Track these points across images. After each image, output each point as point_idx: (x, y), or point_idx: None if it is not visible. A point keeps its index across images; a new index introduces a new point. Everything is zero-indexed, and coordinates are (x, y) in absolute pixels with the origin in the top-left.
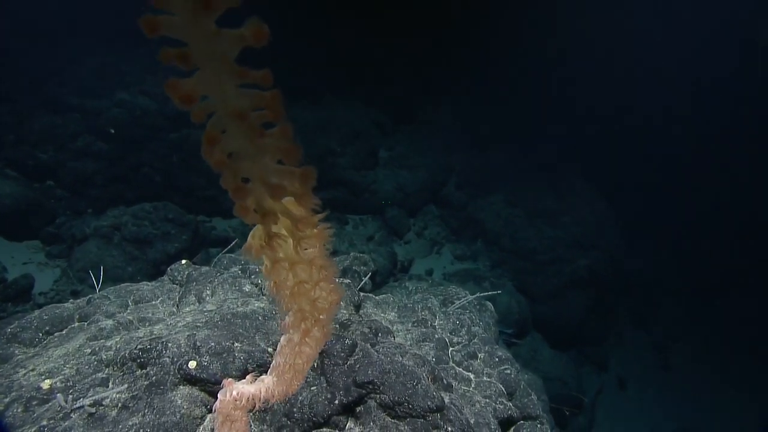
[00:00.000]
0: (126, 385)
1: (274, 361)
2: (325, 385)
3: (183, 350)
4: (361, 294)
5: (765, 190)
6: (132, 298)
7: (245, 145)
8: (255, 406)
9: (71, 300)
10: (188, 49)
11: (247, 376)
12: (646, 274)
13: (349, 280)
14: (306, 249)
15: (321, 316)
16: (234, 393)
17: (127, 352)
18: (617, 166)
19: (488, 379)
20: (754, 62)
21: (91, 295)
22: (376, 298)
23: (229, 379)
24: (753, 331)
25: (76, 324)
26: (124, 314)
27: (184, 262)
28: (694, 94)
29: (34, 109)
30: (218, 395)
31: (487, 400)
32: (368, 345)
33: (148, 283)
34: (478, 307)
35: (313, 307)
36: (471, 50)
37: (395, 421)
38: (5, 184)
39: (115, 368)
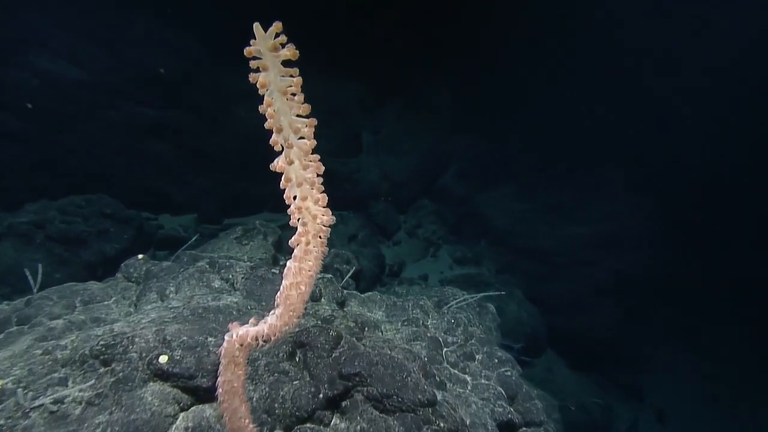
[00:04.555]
0: (90, 383)
1: (281, 288)
2: (308, 378)
3: (152, 345)
4: (345, 291)
5: None
6: (79, 298)
7: (283, 106)
8: (258, 344)
9: (6, 302)
10: (263, 62)
11: (251, 320)
12: (691, 282)
13: (330, 275)
14: (308, 172)
15: (318, 231)
16: (240, 332)
17: (88, 349)
18: (655, 150)
19: (486, 382)
20: None
21: (30, 296)
22: (362, 295)
23: (235, 322)
24: None
25: (15, 327)
26: (74, 315)
27: (140, 257)
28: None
29: None
30: (225, 338)
31: (484, 402)
32: (354, 339)
33: (98, 282)
34: (477, 309)
35: (312, 221)
36: (478, 10)
37: (383, 415)
38: None
39: (74, 367)
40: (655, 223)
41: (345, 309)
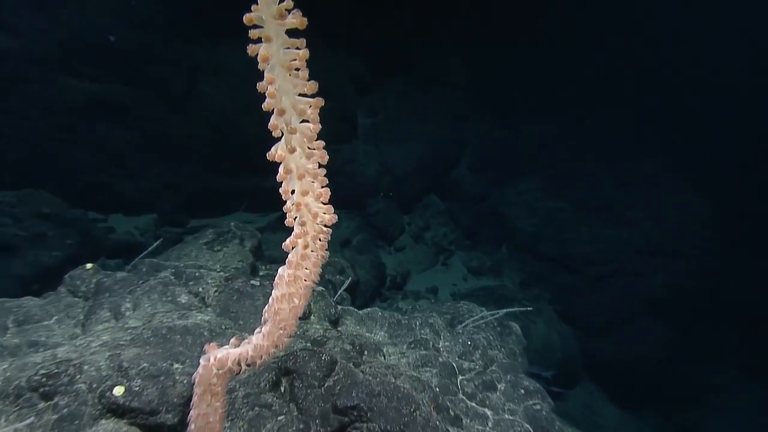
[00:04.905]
0: (27, 421)
1: (269, 301)
2: (295, 413)
3: (105, 374)
4: (339, 307)
5: None
6: (12, 318)
7: (286, 83)
8: (240, 370)
9: None
10: (266, 32)
11: (232, 340)
12: (758, 298)
13: (322, 288)
14: (310, 162)
15: (318, 232)
16: (219, 355)
17: (24, 380)
18: (715, 141)
19: (510, 417)
20: None
21: None
22: (360, 312)
23: (212, 344)
24: None
25: None
26: (6, 338)
27: (89, 266)
28: None
29: None
30: (200, 361)
31: None
32: (351, 364)
33: (35, 298)
34: (498, 329)
35: (312, 221)
36: None
37: None
38: None
39: (8, 402)
40: (715, 226)
41: (339, 328)
